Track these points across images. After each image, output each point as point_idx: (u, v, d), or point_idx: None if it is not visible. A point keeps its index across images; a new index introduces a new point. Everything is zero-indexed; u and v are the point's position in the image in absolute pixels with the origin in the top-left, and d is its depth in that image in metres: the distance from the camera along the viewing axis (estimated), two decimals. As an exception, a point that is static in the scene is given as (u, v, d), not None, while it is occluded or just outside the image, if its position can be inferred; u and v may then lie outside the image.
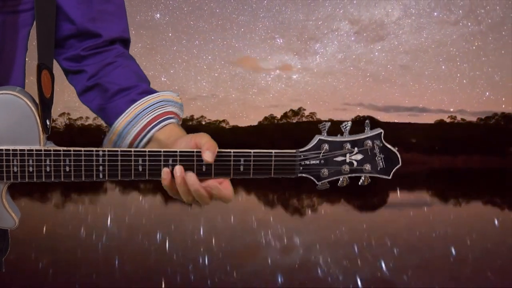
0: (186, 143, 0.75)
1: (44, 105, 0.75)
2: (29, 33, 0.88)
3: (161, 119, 0.83)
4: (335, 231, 7.10)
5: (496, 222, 8.12)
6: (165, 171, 0.73)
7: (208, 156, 0.71)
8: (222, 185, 0.74)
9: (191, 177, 0.73)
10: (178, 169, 0.72)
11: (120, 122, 0.84)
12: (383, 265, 4.95)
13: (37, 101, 0.75)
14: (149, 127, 0.82)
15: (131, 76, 0.89)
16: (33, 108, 0.72)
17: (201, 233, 5.62)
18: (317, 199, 11.40)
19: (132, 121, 0.83)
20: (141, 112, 0.84)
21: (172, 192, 0.75)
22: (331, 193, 11.95)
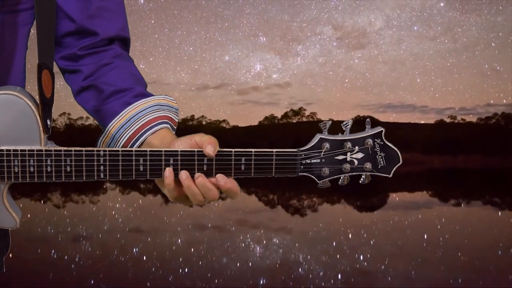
0: (185, 142, 0.75)
1: (45, 105, 0.75)
2: (29, 32, 0.87)
3: (154, 123, 0.82)
4: (337, 231, 7.11)
5: (494, 222, 8.13)
6: (169, 170, 0.72)
7: (210, 150, 0.71)
8: (228, 179, 0.74)
9: (200, 177, 0.73)
10: (184, 173, 0.72)
11: (114, 124, 0.84)
12: (385, 265, 4.95)
13: (38, 101, 0.74)
14: (142, 131, 0.82)
15: (127, 78, 0.88)
16: (33, 108, 0.72)
17: (179, 242, 5.46)
18: (317, 199, 11.41)
19: (126, 124, 0.83)
20: (134, 116, 0.83)
21: (174, 194, 0.75)
22: (331, 193, 11.96)
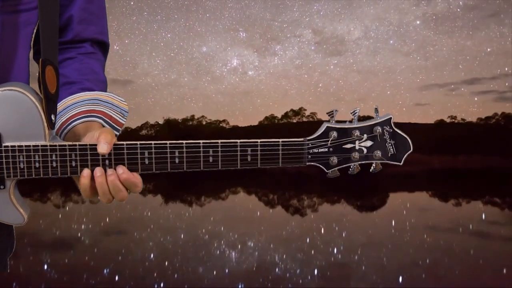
0: (90, 137, 0.76)
1: (49, 100, 0.76)
2: (32, 32, 0.88)
3: (86, 115, 0.84)
4: (340, 231, 7.11)
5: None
6: (86, 171, 0.73)
7: (103, 148, 0.71)
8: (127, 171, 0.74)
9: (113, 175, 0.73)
10: (99, 170, 0.73)
11: None
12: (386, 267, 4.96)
13: (42, 96, 0.75)
14: (72, 120, 0.84)
15: (85, 73, 0.92)
16: (37, 104, 0.73)
17: (152, 257, 5.16)
18: (317, 199, 11.41)
19: (62, 112, 0.85)
20: (71, 105, 0.86)
21: (88, 193, 0.75)
22: (331, 193, 11.95)
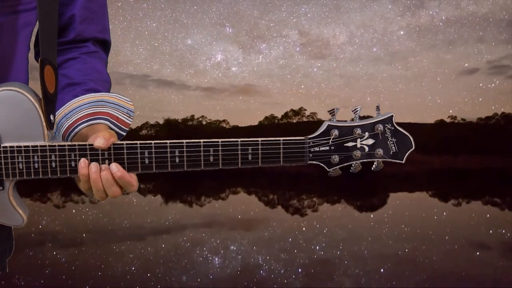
0: (93, 138, 0.76)
1: (48, 100, 0.75)
2: (31, 32, 0.87)
3: (91, 117, 0.84)
4: (342, 232, 7.11)
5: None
6: (84, 161, 0.72)
7: (99, 142, 0.71)
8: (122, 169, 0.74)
9: (108, 172, 0.72)
10: (94, 165, 0.72)
11: (59, 113, 0.86)
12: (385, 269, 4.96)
13: (41, 96, 0.74)
14: (79, 123, 0.83)
15: (89, 73, 0.91)
16: (35, 104, 0.72)
17: (133, 269, 4.88)
18: (317, 199, 11.40)
19: (68, 115, 0.85)
20: (77, 108, 0.85)
21: (87, 185, 0.74)
22: (331, 193, 11.94)
